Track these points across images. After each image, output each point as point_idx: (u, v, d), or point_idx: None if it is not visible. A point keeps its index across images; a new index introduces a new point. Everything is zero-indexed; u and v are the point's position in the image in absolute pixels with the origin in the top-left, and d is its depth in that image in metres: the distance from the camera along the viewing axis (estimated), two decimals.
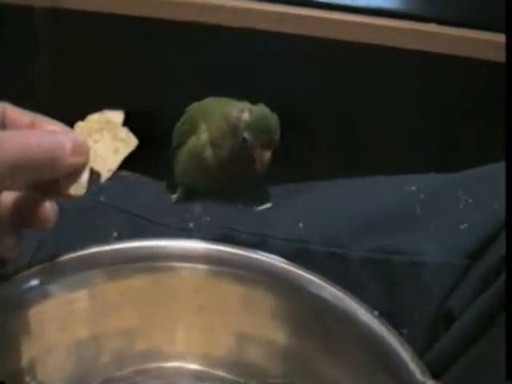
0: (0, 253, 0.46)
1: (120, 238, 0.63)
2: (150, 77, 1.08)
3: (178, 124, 0.72)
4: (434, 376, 0.47)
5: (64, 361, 0.51)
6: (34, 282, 0.49)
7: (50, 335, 0.50)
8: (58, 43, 1.04)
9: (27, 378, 0.49)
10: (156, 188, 0.74)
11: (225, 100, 0.70)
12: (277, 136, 0.65)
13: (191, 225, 0.64)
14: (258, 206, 0.66)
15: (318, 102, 1.08)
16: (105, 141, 0.47)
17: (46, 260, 0.50)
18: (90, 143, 0.45)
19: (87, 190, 0.45)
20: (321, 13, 0.82)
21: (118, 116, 0.48)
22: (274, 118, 0.66)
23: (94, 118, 0.48)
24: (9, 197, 0.46)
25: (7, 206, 0.46)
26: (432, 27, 0.81)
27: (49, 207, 0.46)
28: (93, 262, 0.51)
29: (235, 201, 0.67)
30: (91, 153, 0.45)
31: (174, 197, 0.70)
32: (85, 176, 0.44)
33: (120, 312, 0.52)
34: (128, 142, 0.48)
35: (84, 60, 1.05)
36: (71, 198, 0.44)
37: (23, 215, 0.46)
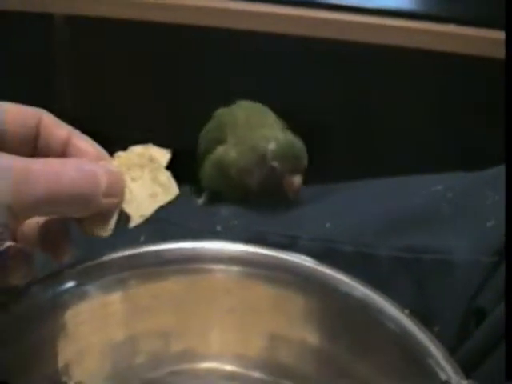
0: (10, 279, 0.43)
1: (147, 243, 0.63)
2: (170, 81, 1.08)
3: (205, 130, 0.72)
4: (466, 373, 0.47)
5: (99, 363, 0.51)
6: (70, 284, 0.50)
7: (85, 337, 0.51)
8: (77, 51, 1.05)
9: (64, 380, 0.50)
10: (181, 192, 0.74)
11: (253, 110, 0.70)
12: (304, 161, 0.66)
13: (219, 228, 0.65)
14: (285, 208, 0.66)
15: (333, 103, 1.08)
16: (144, 181, 0.42)
17: (81, 262, 0.51)
18: (128, 180, 0.40)
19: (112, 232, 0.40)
20: (339, 15, 0.83)
21: (163, 155, 0.43)
22: (299, 144, 0.67)
23: (136, 151, 0.43)
24: (33, 221, 0.43)
25: (29, 231, 0.43)
26: (451, 28, 0.81)
27: (68, 239, 0.43)
28: (127, 264, 0.52)
29: (262, 204, 0.67)
30: (126, 192, 0.40)
31: (201, 201, 0.70)
32: (114, 218, 0.40)
33: (154, 314, 0.53)
34: (169, 189, 0.43)
35: (102, 65, 1.06)
36: (93, 236, 0.40)
37: (43, 242, 0.43)
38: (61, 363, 0.50)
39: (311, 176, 0.70)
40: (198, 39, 0.98)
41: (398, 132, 1.08)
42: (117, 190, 0.39)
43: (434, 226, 0.60)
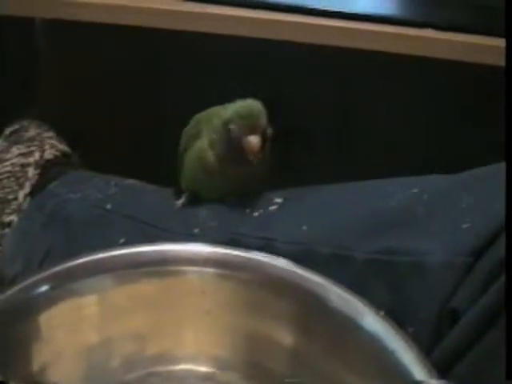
0: None
1: (126, 245, 0.64)
2: (151, 84, 1.09)
3: (186, 129, 0.73)
4: (440, 374, 0.48)
5: (74, 365, 0.52)
6: (44, 288, 0.50)
7: (60, 340, 0.51)
8: (58, 54, 1.05)
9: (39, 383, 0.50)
10: (162, 195, 0.74)
11: (227, 105, 0.71)
12: (262, 120, 0.66)
13: (197, 230, 0.65)
14: (262, 210, 0.67)
15: (315, 107, 1.09)
16: None
17: (55, 266, 0.51)
18: None
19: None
20: (316, 20, 0.83)
21: None
22: (256, 105, 0.67)
23: None
24: None
25: None
26: (428, 32, 0.82)
27: None
28: (101, 267, 0.52)
29: (240, 205, 0.67)
30: None
31: (180, 202, 0.70)
32: None
33: (129, 316, 0.53)
34: None
35: (85, 68, 1.06)
36: None
37: None
38: (36, 366, 0.50)
39: (295, 178, 0.70)
40: (177, 44, 0.99)
41: (379, 134, 1.09)
42: None
43: (409, 228, 0.60)
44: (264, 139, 0.65)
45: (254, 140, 0.65)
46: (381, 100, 1.07)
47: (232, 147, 0.66)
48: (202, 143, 0.69)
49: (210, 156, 0.68)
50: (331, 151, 1.12)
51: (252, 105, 0.67)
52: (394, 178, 0.66)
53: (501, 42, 0.79)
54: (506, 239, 0.52)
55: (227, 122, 0.66)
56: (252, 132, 0.65)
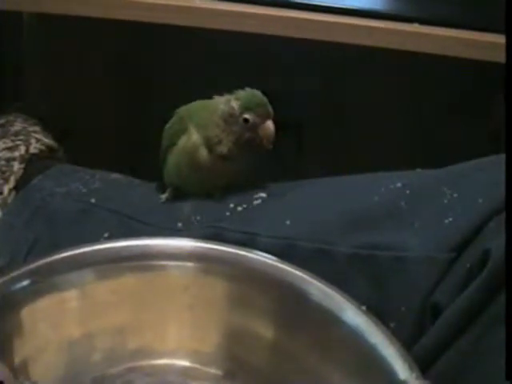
0: None
1: (110, 239, 0.64)
2: (138, 79, 1.08)
3: (168, 126, 0.72)
4: (422, 369, 0.48)
5: (56, 359, 0.52)
6: (26, 282, 0.50)
7: (42, 334, 0.51)
8: (45, 48, 1.05)
9: (21, 377, 0.50)
10: (146, 189, 0.74)
11: (207, 101, 0.71)
12: (270, 107, 0.67)
13: (180, 224, 0.65)
14: (246, 204, 0.67)
15: (305, 101, 1.09)
16: None
17: (38, 260, 0.51)
18: None
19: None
20: (305, 14, 0.83)
21: None
22: (260, 93, 0.67)
23: None
24: None
25: None
26: (415, 27, 0.82)
27: None
28: (83, 262, 0.52)
29: (224, 200, 0.68)
30: None
31: (164, 197, 0.70)
32: None
33: (111, 310, 0.53)
34: None
35: (72, 63, 1.06)
36: None
37: None
38: (18, 360, 0.50)
39: (285, 173, 0.71)
40: (169, 37, 0.99)
41: (367, 129, 1.09)
42: None
43: (392, 222, 0.60)
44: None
45: (270, 125, 0.66)
46: (369, 94, 1.08)
47: (246, 137, 0.66)
48: (190, 140, 0.69)
49: (204, 154, 0.68)
50: (320, 146, 1.12)
51: (259, 93, 0.68)
52: (378, 172, 0.67)
53: (488, 37, 0.80)
54: (506, 239, 0.52)
55: (238, 113, 0.66)
56: (267, 118, 0.66)
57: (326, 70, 1.08)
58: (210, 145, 0.67)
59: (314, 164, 1.10)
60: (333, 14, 0.84)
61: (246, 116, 0.66)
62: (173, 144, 0.70)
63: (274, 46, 0.94)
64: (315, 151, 1.13)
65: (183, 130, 0.70)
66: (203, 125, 0.68)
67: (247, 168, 0.70)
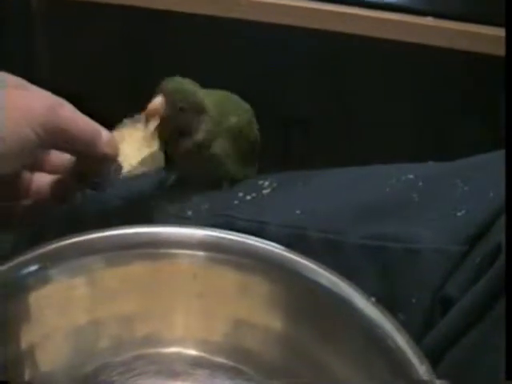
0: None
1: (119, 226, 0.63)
2: (138, 67, 1.08)
3: None
4: (431, 362, 0.47)
5: (63, 346, 0.51)
6: (34, 267, 0.50)
7: (49, 320, 0.51)
8: (56, 26, 1.04)
9: (27, 363, 0.49)
10: (155, 177, 0.74)
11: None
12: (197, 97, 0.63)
13: (190, 212, 0.65)
14: (255, 193, 0.66)
15: (314, 94, 1.08)
16: (133, 140, 0.57)
17: (45, 245, 0.51)
18: (120, 141, 0.55)
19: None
20: (316, 4, 0.83)
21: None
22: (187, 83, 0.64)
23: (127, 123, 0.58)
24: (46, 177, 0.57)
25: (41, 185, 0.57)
26: (429, 21, 0.82)
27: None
28: (92, 248, 0.52)
29: (233, 189, 0.67)
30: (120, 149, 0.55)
31: (171, 180, 0.70)
32: (109, 167, 0.55)
33: (119, 298, 0.53)
34: (151, 144, 0.58)
35: (81, 42, 1.05)
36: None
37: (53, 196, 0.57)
38: (24, 346, 0.50)
39: (290, 165, 0.70)
40: (171, 22, 0.98)
41: (377, 122, 1.08)
42: (112, 145, 0.54)
43: (403, 214, 0.60)
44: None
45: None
46: (379, 87, 1.07)
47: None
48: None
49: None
50: (328, 138, 1.12)
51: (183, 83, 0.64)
52: (389, 164, 0.66)
53: (500, 32, 0.79)
54: (505, 234, 0.52)
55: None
56: None
57: (336, 62, 1.08)
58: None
59: (322, 159, 1.09)
60: (346, 5, 0.83)
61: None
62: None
63: (283, 36, 0.93)
64: (323, 146, 1.12)
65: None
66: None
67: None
